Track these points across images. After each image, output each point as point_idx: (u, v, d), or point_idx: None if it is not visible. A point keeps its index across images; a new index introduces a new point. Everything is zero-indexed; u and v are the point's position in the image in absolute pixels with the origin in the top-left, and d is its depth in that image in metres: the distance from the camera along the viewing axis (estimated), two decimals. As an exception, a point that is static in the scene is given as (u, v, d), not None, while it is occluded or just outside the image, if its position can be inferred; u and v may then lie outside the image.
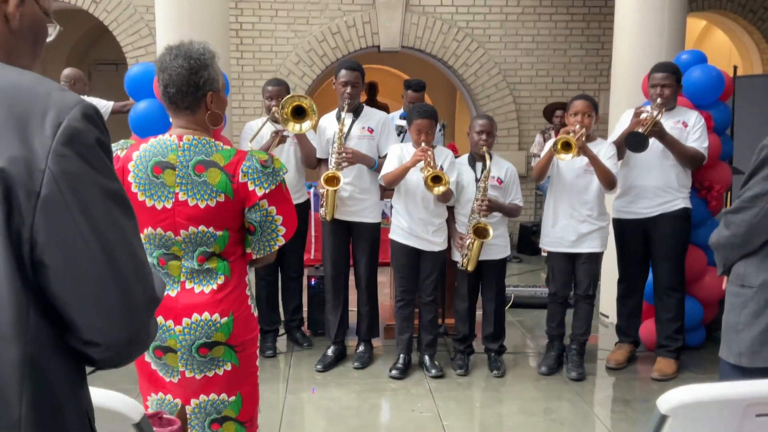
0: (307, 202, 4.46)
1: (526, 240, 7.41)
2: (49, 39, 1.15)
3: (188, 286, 2.01)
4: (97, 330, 0.97)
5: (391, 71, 10.76)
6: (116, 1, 7.26)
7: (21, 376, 0.91)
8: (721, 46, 8.87)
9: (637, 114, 3.87)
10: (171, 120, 2.03)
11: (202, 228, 1.96)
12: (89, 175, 0.94)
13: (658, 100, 3.87)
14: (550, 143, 4.04)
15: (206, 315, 1.99)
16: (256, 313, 2.15)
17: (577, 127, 3.79)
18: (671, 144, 3.86)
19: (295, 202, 4.21)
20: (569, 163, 3.91)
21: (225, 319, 2.01)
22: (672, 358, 4.05)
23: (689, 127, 3.93)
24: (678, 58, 4.45)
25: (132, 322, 1.00)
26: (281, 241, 2.05)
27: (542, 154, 4.04)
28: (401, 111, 5.03)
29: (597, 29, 7.81)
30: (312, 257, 6.30)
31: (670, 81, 3.90)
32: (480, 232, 3.82)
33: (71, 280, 0.93)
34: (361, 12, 7.56)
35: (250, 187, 1.96)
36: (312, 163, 4.19)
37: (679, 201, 3.97)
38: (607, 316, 5.07)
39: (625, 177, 4.06)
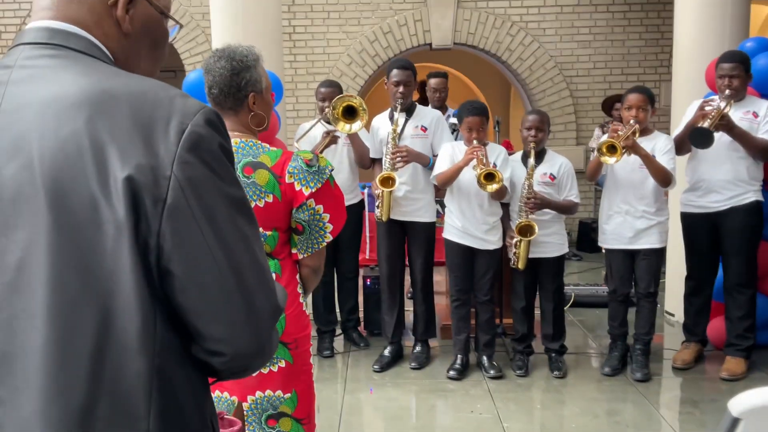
0: (361, 202, 4.47)
1: (586, 237, 7.23)
2: (171, 39, 1.12)
3: (239, 285, 2.03)
4: (223, 340, 0.95)
5: (444, 68, 10.68)
6: (172, 9, 7.41)
7: (149, 388, 0.90)
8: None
9: (701, 107, 3.72)
10: None
11: None
12: (213, 181, 0.92)
13: (726, 92, 3.71)
14: (603, 138, 3.93)
15: None
16: (308, 312, 2.15)
17: (632, 121, 3.70)
18: (741, 137, 3.69)
19: (349, 203, 4.30)
20: (624, 158, 3.80)
21: None
22: (742, 357, 3.88)
23: (760, 117, 3.75)
24: (742, 46, 4.25)
25: (257, 332, 0.97)
26: (328, 238, 2.06)
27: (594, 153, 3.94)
28: (454, 110, 4.98)
29: (656, 19, 7.58)
30: (367, 257, 6.30)
31: (738, 71, 3.73)
32: (524, 230, 3.75)
33: (196, 289, 0.91)
34: (412, 10, 7.53)
35: (297, 187, 1.98)
36: (365, 163, 4.19)
37: (751, 194, 3.79)
38: (673, 315, 4.90)
39: (693, 170, 3.92)
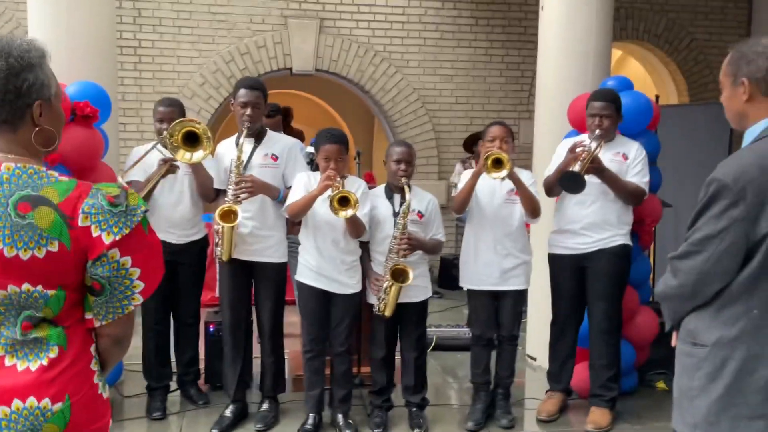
0: (205, 237, 3.92)
1: (448, 274, 7.06)
2: None
3: (8, 362, 1.51)
4: None
5: (306, 96, 10.34)
6: (-3, 11, 6.54)
7: None
8: (636, 76, 8.91)
9: (572, 149, 3.58)
10: None
11: (26, 286, 1.48)
12: None
13: (597, 132, 3.59)
14: (467, 173, 3.70)
15: (32, 401, 1.49)
16: (106, 394, 1.64)
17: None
18: (611, 180, 3.57)
19: (190, 239, 3.77)
20: (491, 191, 3.62)
21: (59, 405, 1.51)
22: (606, 408, 3.73)
23: (630, 160, 3.66)
24: (604, 84, 4.22)
25: None
26: (137, 301, 1.58)
27: (460, 185, 3.70)
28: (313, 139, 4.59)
29: (516, 57, 7.66)
30: (216, 295, 5.71)
31: (609, 111, 3.62)
32: (398, 275, 3.40)
33: None
34: (272, 32, 7.12)
35: (95, 233, 1.49)
36: (208, 195, 3.67)
37: (619, 237, 3.68)
38: (535, 359, 4.75)
39: (562, 211, 3.76)
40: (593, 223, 3.65)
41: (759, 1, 7.60)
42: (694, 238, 1.86)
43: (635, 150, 3.69)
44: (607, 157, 3.61)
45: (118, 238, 1.51)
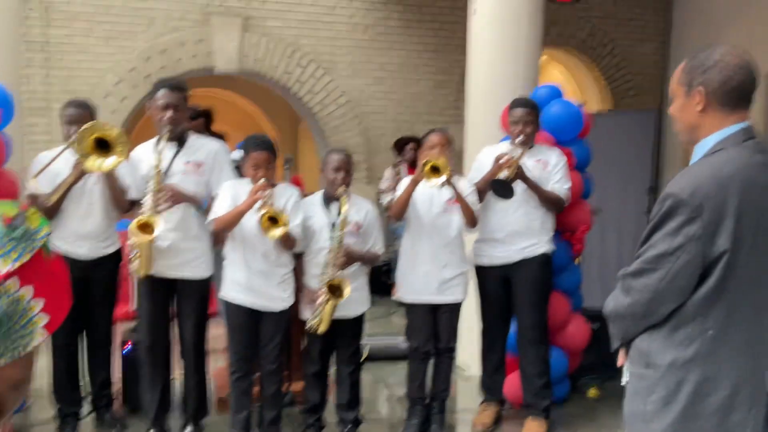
0: (119, 252, 3.61)
1: (377, 280, 6.91)
2: None
3: None
4: None
5: (229, 96, 10.01)
6: None
7: None
8: (558, 82, 9.04)
9: (497, 159, 3.54)
10: None
11: None
12: None
13: (521, 138, 3.55)
14: (406, 180, 3.59)
15: None
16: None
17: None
18: (534, 187, 3.57)
19: (102, 252, 3.47)
20: (429, 200, 3.50)
21: None
22: (542, 418, 3.69)
23: (550, 167, 3.66)
24: (535, 93, 4.19)
25: None
26: (40, 337, 1.35)
27: (398, 193, 3.58)
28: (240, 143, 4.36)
29: (445, 61, 7.61)
30: (132, 309, 5.37)
31: (531, 117, 3.62)
32: (335, 289, 3.23)
33: None
34: (192, 29, 6.80)
35: None
36: (122, 205, 3.38)
37: (542, 246, 3.66)
38: (465, 370, 4.67)
39: (485, 220, 3.69)
40: (517, 231, 3.63)
41: (677, 11, 7.83)
42: (648, 255, 1.78)
43: (555, 157, 3.70)
44: (529, 164, 3.61)
45: (16, 266, 1.29)
